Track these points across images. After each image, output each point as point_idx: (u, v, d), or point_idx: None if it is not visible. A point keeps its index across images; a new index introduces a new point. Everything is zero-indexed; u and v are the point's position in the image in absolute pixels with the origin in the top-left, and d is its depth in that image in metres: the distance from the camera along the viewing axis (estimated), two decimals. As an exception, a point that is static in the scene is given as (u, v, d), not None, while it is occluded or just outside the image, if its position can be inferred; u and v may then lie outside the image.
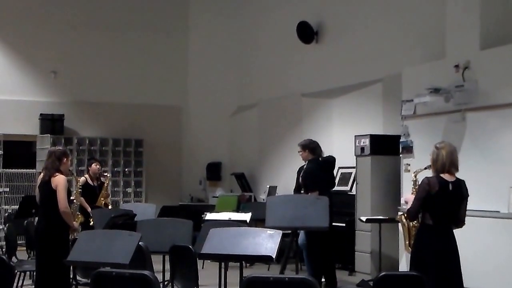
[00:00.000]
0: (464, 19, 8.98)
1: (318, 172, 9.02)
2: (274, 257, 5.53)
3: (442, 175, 5.97)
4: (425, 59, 9.86)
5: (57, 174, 6.93)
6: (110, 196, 12.07)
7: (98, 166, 10.64)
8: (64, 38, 14.62)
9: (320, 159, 9.16)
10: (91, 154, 14.14)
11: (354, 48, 11.93)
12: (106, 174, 10.71)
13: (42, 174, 7.11)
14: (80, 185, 8.61)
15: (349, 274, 10.38)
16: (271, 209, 7.54)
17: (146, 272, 4.30)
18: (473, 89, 8.52)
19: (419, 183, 6.12)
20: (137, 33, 15.36)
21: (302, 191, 9.19)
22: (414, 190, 6.36)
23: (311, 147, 9.14)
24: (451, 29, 9.17)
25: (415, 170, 6.65)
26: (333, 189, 9.47)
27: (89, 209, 9.90)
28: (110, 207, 10.76)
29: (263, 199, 13.14)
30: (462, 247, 6.10)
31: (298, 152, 9.25)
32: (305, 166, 9.13)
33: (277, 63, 14.10)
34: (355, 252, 10.43)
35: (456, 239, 6.10)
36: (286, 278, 4.18)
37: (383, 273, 4.77)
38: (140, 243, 5.76)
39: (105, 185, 10.60)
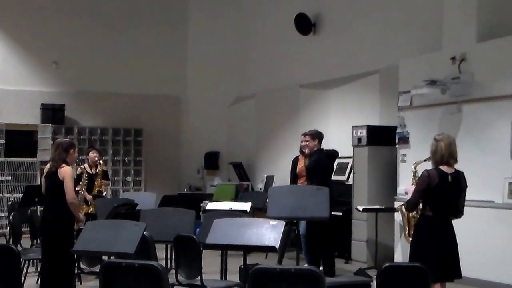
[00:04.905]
0: (461, 12, 9.08)
1: (328, 162, 9.07)
2: (277, 247, 5.59)
3: (441, 167, 5.98)
4: (422, 51, 9.94)
5: (63, 165, 6.99)
6: (110, 184, 12.19)
7: (95, 154, 10.73)
8: (65, 28, 14.70)
9: (324, 150, 9.17)
10: (91, 144, 14.19)
11: (352, 39, 12.01)
12: (100, 162, 10.73)
13: (48, 165, 7.16)
14: (85, 175, 8.68)
15: (345, 262, 10.51)
16: (272, 199, 7.54)
17: (155, 263, 4.31)
18: (469, 81, 8.66)
19: (419, 175, 6.15)
20: (137, 24, 15.42)
21: (300, 182, 9.19)
22: (414, 181, 6.42)
23: (320, 137, 9.07)
24: (448, 22, 9.28)
25: (415, 161, 6.69)
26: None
27: (87, 197, 10.03)
28: (105, 194, 10.85)
29: (261, 188, 13.25)
30: (458, 237, 6.17)
31: (305, 141, 8.98)
32: (312, 156, 8.90)
33: (275, 55, 14.18)
34: (352, 241, 10.58)
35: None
36: (292, 270, 4.11)
37: (387, 264, 4.64)
38: (144, 232, 5.82)
39: (98, 172, 10.63)
